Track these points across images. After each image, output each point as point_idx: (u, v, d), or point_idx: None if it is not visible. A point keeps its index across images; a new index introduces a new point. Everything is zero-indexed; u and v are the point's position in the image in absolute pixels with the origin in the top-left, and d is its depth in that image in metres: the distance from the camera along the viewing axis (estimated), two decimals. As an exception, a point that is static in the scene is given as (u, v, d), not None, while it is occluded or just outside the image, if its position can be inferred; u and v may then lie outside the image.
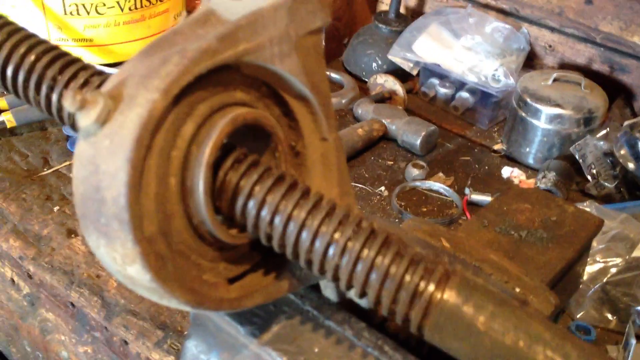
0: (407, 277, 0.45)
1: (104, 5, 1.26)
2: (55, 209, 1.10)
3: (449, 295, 0.45)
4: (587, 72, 1.42)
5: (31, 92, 0.50)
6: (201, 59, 0.43)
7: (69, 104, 0.40)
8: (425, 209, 1.19)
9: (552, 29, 1.47)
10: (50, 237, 1.06)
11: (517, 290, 0.71)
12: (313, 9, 0.48)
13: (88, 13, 1.26)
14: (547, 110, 1.25)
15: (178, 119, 0.44)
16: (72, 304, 1.00)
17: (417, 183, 1.23)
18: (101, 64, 1.30)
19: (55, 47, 0.51)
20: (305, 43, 0.49)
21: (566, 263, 0.83)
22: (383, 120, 1.33)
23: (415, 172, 1.24)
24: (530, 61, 1.51)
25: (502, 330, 0.46)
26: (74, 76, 0.49)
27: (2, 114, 1.22)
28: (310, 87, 0.50)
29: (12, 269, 1.09)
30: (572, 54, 1.47)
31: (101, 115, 0.41)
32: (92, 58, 1.30)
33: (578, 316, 0.98)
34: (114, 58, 1.33)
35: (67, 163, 1.19)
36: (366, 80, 1.51)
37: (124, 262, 0.43)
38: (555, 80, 1.29)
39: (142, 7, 1.31)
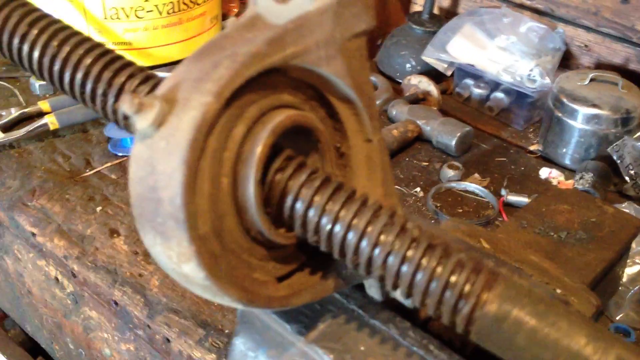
0: (453, 279, 0.46)
1: (143, 9, 1.28)
2: (98, 209, 1.13)
3: (495, 297, 0.46)
4: (623, 72, 1.41)
5: (87, 93, 0.52)
6: (251, 63, 0.44)
7: (126, 108, 0.42)
8: (461, 210, 1.19)
9: (588, 29, 1.46)
10: (94, 236, 1.08)
11: (558, 291, 0.71)
12: (358, 12, 0.49)
13: (128, 17, 1.28)
14: (584, 111, 1.24)
15: (229, 121, 0.45)
16: (115, 302, 1.02)
17: (453, 184, 1.23)
18: (140, 67, 1.33)
19: (110, 51, 0.53)
20: (350, 46, 0.50)
21: (606, 265, 0.83)
22: (418, 121, 1.33)
23: (450, 173, 1.24)
24: (566, 61, 1.50)
25: (551, 332, 0.46)
26: (129, 78, 0.51)
27: (46, 116, 1.25)
28: (354, 89, 0.51)
29: (56, 268, 1.12)
30: (609, 53, 1.46)
31: (157, 118, 0.42)
32: (131, 61, 1.33)
33: (617, 318, 0.98)
34: (152, 61, 1.35)
35: (109, 164, 1.22)
36: (400, 81, 1.51)
37: (179, 260, 0.44)
38: (592, 80, 1.28)
39: (179, 10, 1.33)
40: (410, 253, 0.46)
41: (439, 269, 0.46)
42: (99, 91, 0.51)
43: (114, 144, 1.24)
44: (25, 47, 0.53)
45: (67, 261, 1.07)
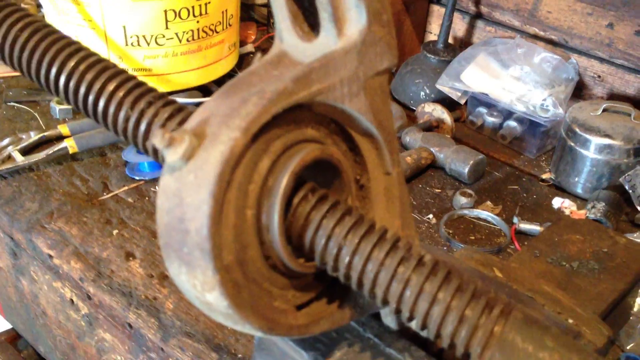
0: (468, 312, 0.47)
1: (164, 36, 1.31)
2: (115, 232, 1.14)
3: (509, 331, 0.47)
4: (636, 102, 1.42)
5: (120, 123, 0.54)
6: (278, 100, 0.46)
7: (158, 142, 0.43)
8: (473, 237, 1.20)
9: (601, 60, 1.48)
10: (110, 259, 1.10)
11: (570, 321, 0.72)
12: (381, 51, 0.51)
13: (148, 44, 1.31)
14: (596, 141, 1.25)
15: (255, 155, 0.47)
16: (130, 325, 1.03)
17: (465, 211, 1.24)
18: (159, 93, 1.35)
19: (143, 83, 0.54)
20: (372, 83, 0.52)
21: (618, 295, 0.84)
22: (431, 149, 1.35)
23: (463, 200, 1.25)
24: (579, 91, 1.52)
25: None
26: (159, 110, 0.53)
27: (65, 140, 1.27)
28: (376, 124, 0.53)
29: (72, 290, 1.13)
30: (622, 84, 1.47)
31: (187, 152, 0.44)
32: (150, 87, 1.35)
33: (628, 347, 0.98)
34: (171, 87, 1.38)
35: (126, 188, 1.24)
36: (414, 108, 1.53)
37: (203, 289, 0.45)
38: (604, 110, 1.30)
39: (199, 38, 1.36)
40: (427, 287, 0.48)
41: (455, 303, 0.47)
42: (131, 122, 0.53)
43: (131, 168, 1.26)
44: (62, 79, 0.55)
45: (83, 283, 1.08)
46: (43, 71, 0.56)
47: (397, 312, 0.49)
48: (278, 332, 0.49)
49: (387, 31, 0.51)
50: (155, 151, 0.53)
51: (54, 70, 0.55)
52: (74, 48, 0.56)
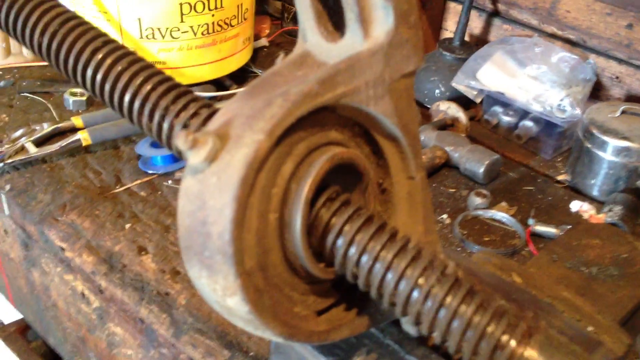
0: (490, 329, 0.46)
1: (179, 30, 1.30)
2: (127, 226, 1.14)
3: (531, 352, 0.46)
4: (654, 104, 1.41)
5: (145, 119, 0.53)
6: (303, 102, 0.45)
7: (181, 143, 0.42)
8: (487, 239, 1.18)
9: (620, 61, 1.46)
10: (122, 253, 1.09)
11: (590, 329, 0.71)
12: (408, 53, 0.50)
13: (163, 37, 1.30)
14: (614, 143, 1.24)
15: (279, 158, 0.46)
16: (141, 320, 1.03)
17: (480, 212, 1.23)
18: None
19: (170, 78, 0.54)
20: (398, 86, 0.51)
21: (637, 302, 0.82)
22: (445, 148, 1.34)
23: (477, 200, 1.24)
24: (597, 92, 1.50)
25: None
26: (184, 107, 0.52)
27: (79, 132, 1.27)
28: (400, 127, 0.52)
29: (83, 283, 1.13)
30: (640, 86, 1.46)
31: (210, 154, 0.43)
32: (164, 80, 1.34)
33: (645, 354, 0.97)
34: (185, 80, 1.37)
35: (138, 181, 1.23)
36: (429, 106, 1.52)
37: (224, 294, 0.45)
38: (622, 112, 1.28)
39: (214, 32, 1.35)
40: (448, 300, 0.47)
41: (477, 318, 0.46)
42: (156, 118, 0.52)
43: (144, 162, 1.26)
44: (89, 72, 0.54)
45: (95, 277, 1.08)
46: (70, 65, 0.55)
47: (417, 323, 0.48)
48: (299, 339, 0.48)
49: (414, 33, 0.50)
50: (180, 151, 0.52)
51: (80, 65, 0.55)
52: (101, 41, 0.55)
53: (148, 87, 0.52)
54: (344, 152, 0.49)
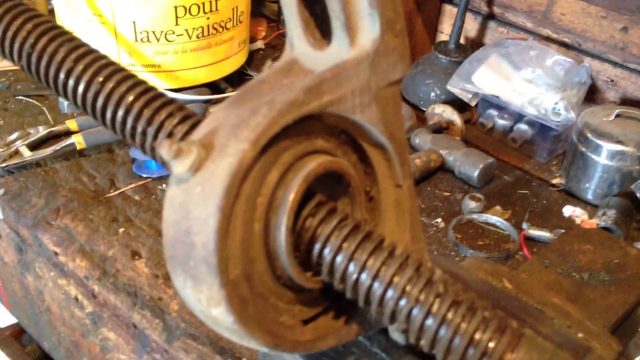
0: (477, 335, 0.46)
1: (173, 32, 1.30)
2: (121, 230, 1.14)
3: (519, 357, 0.46)
4: (649, 108, 1.41)
5: (128, 129, 0.53)
6: (288, 111, 0.45)
7: (165, 153, 0.42)
8: (481, 243, 1.18)
9: (615, 64, 1.46)
10: (115, 258, 1.09)
11: (580, 335, 0.71)
12: (394, 61, 0.50)
13: (158, 40, 1.30)
14: (608, 147, 1.24)
15: (264, 167, 0.46)
16: (134, 325, 1.03)
17: (474, 216, 1.23)
18: (168, 89, 1.34)
19: (152, 89, 0.53)
20: (384, 94, 0.51)
21: (628, 308, 0.82)
22: (440, 151, 1.34)
23: (472, 204, 1.24)
24: (592, 95, 1.50)
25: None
26: (168, 116, 0.52)
27: (73, 135, 1.27)
28: (387, 136, 0.52)
29: (77, 288, 1.13)
30: (635, 89, 1.46)
31: (194, 164, 0.43)
32: (159, 83, 1.34)
33: (637, 359, 0.97)
34: (180, 83, 1.37)
35: (133, 185, 1.23)
36: (424, 109, 1.52)
37: (208, 304, 0.45)
38: (617, 116, 1.28)
39: (209, 34, 1.34)
40: (435, 307, 0.47)
41: (464, 325, 0.46)
42: (139, 129, 0.52)
43: (139, 165, 1.25)
44: (71, 82, 0.54)
45: (88, 282, 1.08)
46: (51, 76, 0.55)
47: (405, 331, 0.48)
48: (284, 348, 0.48)
49: (400, 41, 0.50)
50: (164, 161, 0.52)
51: (62, 75, 0.54)
52: (82, 51, 0.55)
53: (131, 97, 0.52)
54: (330, 161, 0.49)
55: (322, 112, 0.48)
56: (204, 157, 0.43)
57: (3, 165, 1.23)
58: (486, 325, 0.46)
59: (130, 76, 0.53)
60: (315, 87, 0.47)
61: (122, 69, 0.54)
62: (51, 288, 1.20)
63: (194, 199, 0.43)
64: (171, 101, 0.52)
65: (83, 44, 0.56)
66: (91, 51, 0.55)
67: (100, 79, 0.53)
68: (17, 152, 1.25)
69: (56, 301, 1.21)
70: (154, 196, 1.22)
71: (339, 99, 0.48)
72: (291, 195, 0.47)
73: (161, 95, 0.53)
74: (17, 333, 1.47)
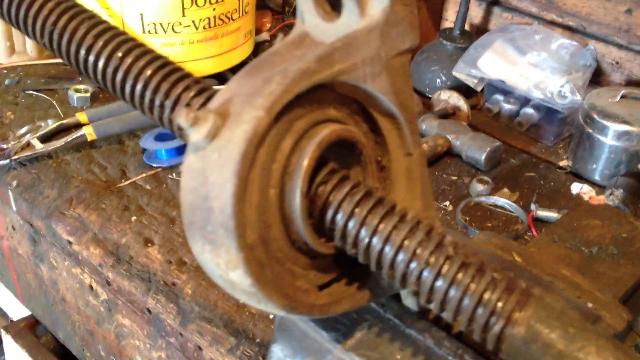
0: (486, 295, 0.47)
1: (180, 24, 1.31)
2: (133, 218, 1.15)
3: (526, 317, 0.46)
4: (654, 89, 1.41)
5: (146, 102, 0.54)
6: (301, 79, 0.46)
7: (182, 121, 0.43)
8: (490, 224, 1.19)
9: (620, 46, 1.47)
10: (129, 245, 1.10)
11: (590, 305, 0.72)
12: (403, 31, 0.51)
13: (165, 32, 1.31)
14: (614, 127, 1.24)
15: (278, 134, 0.47)
16: (149, 310, 1.04)
17: (482, 198, 1.24)
18: (175, 80, 1.35)
19: (171, 63, 0.55)
20: (394, 63, 0.52)
21: (637, 280, 0.83)
22: (447, 136, 1.35)
23: (480, 187, 1.25)
24: (597, 78, 1.51)
25: (583, 351, 0.46)
26: (185, 90, 0.53)
27: (83, 127, 1.28)
28: (397, 105, 0.53)
29: (91, 276, 1.14)
30: (640, 70, 1.47)
31: (211, 131, 0.44)
32: (167, 74, 1.35)
33: (647, 334, 0.98)
34: (187, 74, 1.38)
35: (143, 175, 1.25)
36: (430, 96, 1.53)
37: (227, 268, 0.46)
38: (622, 97, 1.29)
39: (215, 25, 1.36)
40: (445, 269, 0.48)
41: (473, 286, 0.47)
42: (157, 102, 0.53)
43: (149, 155, 1.27)
44: (91, 58, 0.56)
45: (102, 269, 1.09)
46: (72, 51, 0.57)
47: (416, 294, 0.49)
48: (300, 311, 0.49)
49: (409, 10, 0.51)
50: (181, 130, 0.53)
51: (82, 51, 0.56)
52: (102, 28, 0.56)
53: (149, 71, 0.54)
54: (343, 129, 0.50)
55: (333, 81, 0.49)
56: (220, 125, 0.45)
57: (15, 157, 1.24)
58: (495, 285, 0.47)
59: (149, 51, 0.55)
60: (327, 56, 0.48)
61: (140, 44, 0.55)
62: (65, 277, 1.21)
63: (211, 166, 0.44)
64: (188, 75, 0.54)
65: (102, 21, 0.57)
66: (110, 27, 0.57)
67: (120, 54, 0.55)
68: (28, 145, 1.27)
69: (71, 290, 1.22)
70: (164, 185, 1.23)
71: (350, 68, 0.49)
72: (305, 162, 0.48)
73: (179, 69, 0.54)
74: (32, 325, 1.48)
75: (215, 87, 0.52)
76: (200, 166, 0.45)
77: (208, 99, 0.52)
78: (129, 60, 0.55)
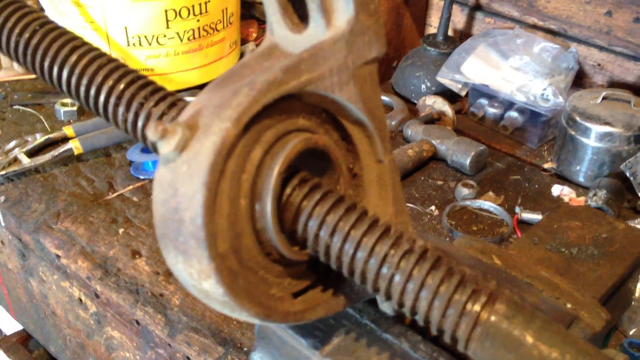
0: (456, 297, 0.48)
1: (165, 36, 1.32)
2: (120, 231, 1.16)
3: (496, 314, 0.47)
4: (636, 89, 1.43)
5: (120, 116, 0.55)
6: (268, 90, 0.47)
7: (151, 134, 0.44)
8: (475, 228, 1.20)
9: (601, 48, 1.48)
10: (116, 257, 1.11)
11: (569, 305, 0.73)
12: (369, 40, 0.52)
13: (149, 44, 1.32)
14: (597, 129, 1.26)
15: (247, 145, 0.48)
16: (137, 322, 1.05)
17: (468, 202, 1.25)
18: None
19: (142, 76, 0.56)
20: (362, 72, 0.53)
21: (617, 279, 0.84)
22: (432, 141, 1.36)
23: (465, 191, 1.26)
24: (580, 80, 1.52)
25: (549, 345, 0.47)
26: (157, 103, 0.54)
27: (70, 141, 1.29)
28: (366, 113, 0.54)
29: (80, 289, 1.15)
30: (621, 72, 1.48)
31: (180, 143, 0.45)
32: (152, 86, 1.36)
33: (631, 333, 0.99)
34: (173, 86, 1.39)
35: (131, 187, 1.25)
36: (415, 102, 1.54)
37: (199, 278, 0.47)
38: (604, 98, 1.30)
39: (199, 37, 1.37)
40: (414, 273, 0.48)
41: (442, 288, 0.48)
42: (130, 116, 0.54)
43: (136, 168, 1.28)
44: (65, 73, 0.56)
45: (91, 282, 1.10)
46: (46, 67, 0.57)
47: (388, 298, 0.50)
48: (274, 319, 0.50)
49: (374, 20, 0.52)
50: (154, 145, 0.54)
51: (56, 66, 0.57)
52: (75, 43, 0.57)
53: (121, 85, 0.55)
54: (311, 138, 0.51)
55: (301, 91, 0.50)
56: (189, 137, 0.45)
57: (2, 173, 1.25)
58: (464, 287, 0.48)
59: (121, 66, 0.56)
60: (294, 67, 0.49)
61: (113, 60, 0.56)
62: (55, 291, 1.22)
63: (180, 177, 0.45)
64: (160, 88, 0.55)
65: (75, 37, 0.58)
66: (83, 43, 0.57)
67: (92, 69, 0.55)
68: (15, 160, 1.27)
69: (60, 304, 1.23)
70: (151, 197, 1.24)
71: (317, 78, 0.50)
72: (275, 171, 0.49)
73: (151, 82, 0.55)
74: (24, 339, 1.49)
75: (188, 99, 0.53)
76: (170, 178, 0.46)
77: (180, 112, 0.53)
78: (101, 75, 0.55)
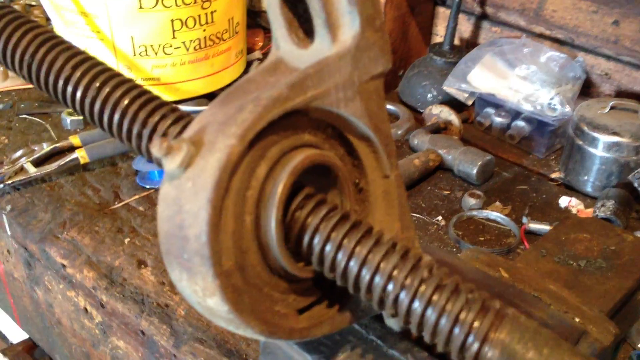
0: (462, 316, 0.48)
1: (171, 46, 1.32)
2: (126, 240, 1.16)
3: (502, 335, 0.47)
4: (644, 99, 1.42)
5: (124, 132, 0.55)
6: (273, 106, 0.47)
7: (156, 150, 0.44)
8: (482, 238, 1.20)
9: (608, 57, 1.48)
10: (122, 267, 1.11)
11: (577, 320, 0.72)
12: (375, 55, 0.52)
13: (156, 54, 1.33)
14: (604, 139, 1.25)
15: (252, 161, 0.48)
16: (143, 332, 1.05)
17: (474, 212, 1.24)
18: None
19: (146, 91, 0.56)
20: (367, 87, 0.52)
21: (626, 292, 0.83)
22: (439, 151, 1.35)
23: (472, 201, 1.25)
24: (587, 89, 1.52)
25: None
26: (162, 119, 0.54)
27: (76, 150, 1.29)
28: (372, 128, 0.53)
29: (85, 299, 1.15)
30: (629, 81, 1.47)
31: (185, 160, 0.45)
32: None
33: (639, 345, 0.98)
34: (179, 95, 1.39)
35: (137, 197, 1.25)
36: (421, 111, 1.53)
37: (204, 295, 0.46)
38: (612, 108, 1.29)
39: (206, 46, 1.37)
40: (420, 291, 0.48)
41: (449, 307, 0.47)
42: (134, 131, 0.54)
43: (142, 177, 1.28)
44: (69, 89, 0.56)
45: (96, 292, 1.09)
46: (51, 83, 0.57)
47: (393, 315, 0.49)
48: (279, 336, 0.50)
49: (380, 36, 0.52)
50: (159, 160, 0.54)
51: (61, 82, 0.57)
52: (80, 58, 0.57)
53: (126, 100, 0.54)
54: (316, 154, 0.51)
55: (307, 106, 0.49)
56: (193, 154, 0.45)
57: (9, 182, 1.25)
58: (470, 306, 0.48)
59: (126, 81, 0.55)
60: (299, 83, 0.48)
61: (117, 74, 0.56)
62: (60, 300, 1.22)
63: (185, 194, 0.45)
64: (165, 103, 0.55)
65: (80, 52, 0.58)
66: (88, 58, 0.57)
67: (97, 84, 0.55)
68: (22, 169, 1.28)
69: (66, 313, 1.23)
70: (157, 206, 1.24)
71: (323, 94, 0.50)
72: (280, 188, 0.48)
73: (155, 98, 0.55)
74: (29, 348, 1.49)
75: (193, 114, 0.52)
76: (175, 195, 0.46)
77: (184, 127, 0.52)
78: (106, 90, 0.55)
